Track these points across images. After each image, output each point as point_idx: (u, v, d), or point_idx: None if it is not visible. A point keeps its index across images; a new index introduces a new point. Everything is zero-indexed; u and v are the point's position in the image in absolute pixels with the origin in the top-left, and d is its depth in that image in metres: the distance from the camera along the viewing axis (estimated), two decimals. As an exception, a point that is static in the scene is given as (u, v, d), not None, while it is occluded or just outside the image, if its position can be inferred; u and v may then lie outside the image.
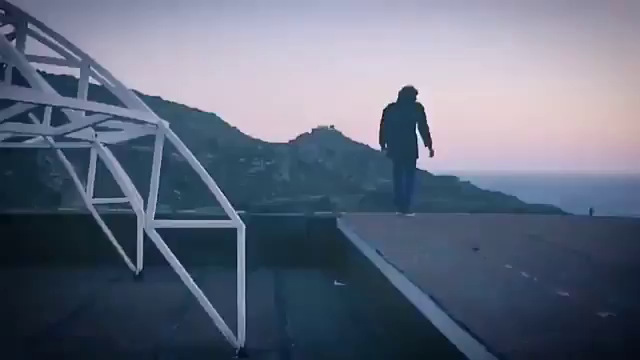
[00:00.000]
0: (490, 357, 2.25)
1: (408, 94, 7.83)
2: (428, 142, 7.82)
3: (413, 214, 7.70)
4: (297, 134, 47.93)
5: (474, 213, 10.95)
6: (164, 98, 46.38)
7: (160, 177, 3.58)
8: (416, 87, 7.93)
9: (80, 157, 5.98)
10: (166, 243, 3.71)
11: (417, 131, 7.80)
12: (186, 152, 3.52)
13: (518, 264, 4.05)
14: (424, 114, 7.80)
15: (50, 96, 3.30)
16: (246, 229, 3.82)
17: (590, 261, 4.41)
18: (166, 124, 3.62)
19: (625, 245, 5.42)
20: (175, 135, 3.54)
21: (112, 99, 3.94)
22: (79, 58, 4.06)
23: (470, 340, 2.47)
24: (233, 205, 3.83)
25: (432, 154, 7.81)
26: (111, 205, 6.56)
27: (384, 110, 7.92)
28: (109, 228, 5.95)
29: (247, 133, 47.44)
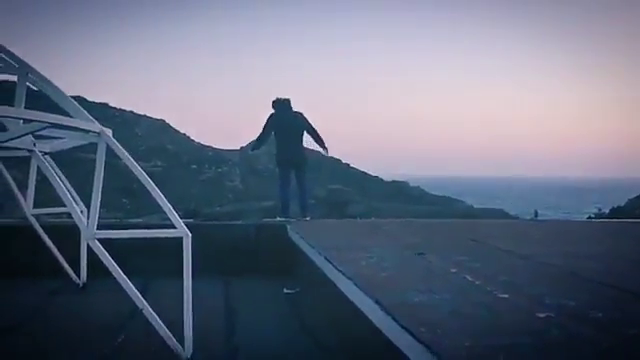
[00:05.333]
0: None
1: (283, 104, 8.24)
2: (321, 143, 8.35)
3: (308, 218, 8.07)
4: (248, 140, 47.33)
5: (422, 218, 11.17)
6: (112, 104, 45.24)
7: (107, 185, 3.51)
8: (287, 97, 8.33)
9: (20, 165, 5.78)
10: (110, 253, 3.63)
11: (303, 138, 8.23)
12: (130, 161, 3.45)
13: (462, 268, 4.14)
14: (307, 120, 8.25)
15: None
16: (194, 238, 3.77)
17: (529, 263, 4.55)
18: (109, 132, 3.55)
19: (562, 247, 5.62)
20: (117, 143, 3.47)
21: (55, 106, 3.84)
22: (16, 65, 3.93)
23: (414, 344, 2.51)
24: (183, 213, 3.79)
25: (327, 151, 8.49)
26: (57, 215, 6.37)
27: (268, 119, 8.19)
28: (51, 239, 5.77)
29: (197, 139, 46.71)
